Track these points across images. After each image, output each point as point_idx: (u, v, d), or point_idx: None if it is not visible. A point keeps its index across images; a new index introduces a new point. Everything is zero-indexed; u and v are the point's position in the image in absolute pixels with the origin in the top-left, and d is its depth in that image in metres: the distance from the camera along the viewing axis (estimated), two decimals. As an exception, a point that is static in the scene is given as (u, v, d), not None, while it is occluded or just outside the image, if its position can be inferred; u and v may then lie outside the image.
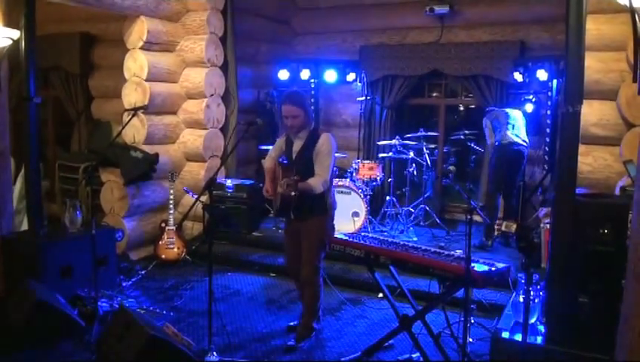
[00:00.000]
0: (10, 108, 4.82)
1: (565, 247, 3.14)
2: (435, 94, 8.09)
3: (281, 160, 4.14)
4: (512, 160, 6.05)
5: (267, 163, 4.19)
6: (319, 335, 4.23)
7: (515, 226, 6.03)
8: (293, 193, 3.55)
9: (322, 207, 3.97)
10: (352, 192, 6.16)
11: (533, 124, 6.58)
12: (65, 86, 7.34)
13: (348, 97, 7.96)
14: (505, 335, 3.26)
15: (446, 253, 3.61)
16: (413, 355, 3.73)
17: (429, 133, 6.77)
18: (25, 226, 5.15)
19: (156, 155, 5.96)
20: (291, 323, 4.35)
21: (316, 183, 3.79)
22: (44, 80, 7.45)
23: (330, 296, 4.82)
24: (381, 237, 4.10)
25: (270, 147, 4.49)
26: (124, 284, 5.18)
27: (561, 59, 5.74)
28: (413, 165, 6.64)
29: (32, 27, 4.46)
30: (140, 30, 5.86)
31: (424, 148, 6.65)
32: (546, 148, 6.50)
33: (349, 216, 6.07)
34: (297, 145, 3.99)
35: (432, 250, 3.68)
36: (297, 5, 8.31)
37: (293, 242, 4.12)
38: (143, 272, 5.53)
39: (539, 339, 3.18)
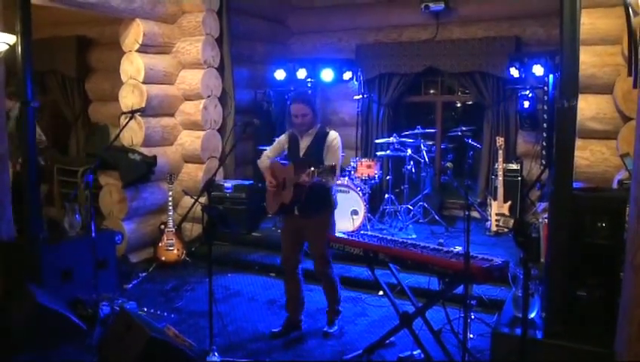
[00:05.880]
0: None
1: (563, 241, 3.16)
2: (431, 91, 8.10)
3: (279, 159, 4.16)
4: None
5: (264, 163, 4.24)
6: (320, 333, 4.25)
7: (512, 221, 6.07)
8: (323, 180, 3.70)
9: (329, 202, 4.09)
10: (351, 191, 6.16)
11: (530, 119, 6.58)
12: (62, 90, 7.34)
13: (345, 96, 7.96)
14: (505, 330, 3.28)
15: (445, 249, 3.62)
16: (415, 352, 3.74)
17: (427, 130, 6.77)
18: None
19: (154, 157, 5.96)
20: (274, 330, 4.24)
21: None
22: (40, 84, 7.43)
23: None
24: (380, 235, 4.12)
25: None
26: (124, 287, 5.19)
27: (556, 53, 5.74)
28: (411, 162, 6.65)
29: (28, 31, 4.45)
30: (135, 33, 5.86)
31: (422, 146, 6.66)
32: (543, 143, 6.50)
33: (347, 214, 6.07)
34: (306, 142, 4.09)
35: (432, 246, 3.68)
36: (292, 5, 8.31)
37: (292, 241, 4.18)
38: (143, 274, 5.54)
39: (539, 334, 3.20)
